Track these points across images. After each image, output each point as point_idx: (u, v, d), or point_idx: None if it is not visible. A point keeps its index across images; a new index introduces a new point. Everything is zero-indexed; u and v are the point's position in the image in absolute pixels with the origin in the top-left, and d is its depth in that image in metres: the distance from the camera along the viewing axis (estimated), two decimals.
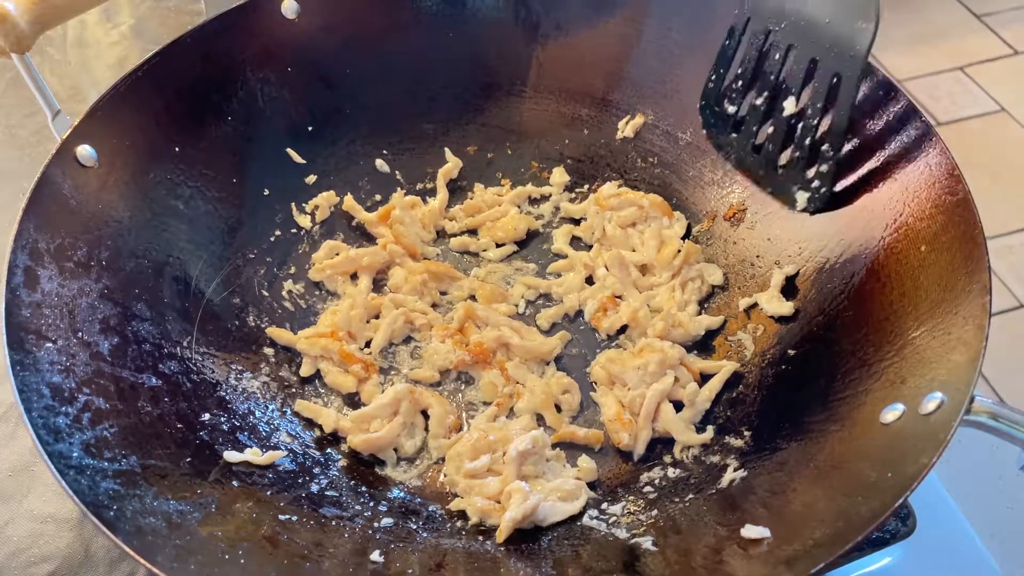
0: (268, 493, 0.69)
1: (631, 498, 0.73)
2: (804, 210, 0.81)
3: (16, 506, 0.76)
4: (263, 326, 0.84)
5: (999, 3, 2.51)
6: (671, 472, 0.74)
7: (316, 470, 0.74)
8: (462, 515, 0.72)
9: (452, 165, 0.95)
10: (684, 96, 0.90)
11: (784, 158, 0.82)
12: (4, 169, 1.01)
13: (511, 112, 0.95)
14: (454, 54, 0.94)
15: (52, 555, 0.73)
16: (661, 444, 0.77)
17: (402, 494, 0.74)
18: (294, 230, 0.92)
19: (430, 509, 0.73)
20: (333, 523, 0.68)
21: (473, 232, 0.94)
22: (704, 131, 0.89)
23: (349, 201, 0.92)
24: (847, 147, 0.79)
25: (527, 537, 0.70)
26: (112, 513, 0.57)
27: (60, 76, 1.11)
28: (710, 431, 0.76)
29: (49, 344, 0.66)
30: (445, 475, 0.75)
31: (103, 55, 1.13)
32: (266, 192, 0.91)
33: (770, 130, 0.83)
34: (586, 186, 0.95)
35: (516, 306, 0.87)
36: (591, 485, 0.75)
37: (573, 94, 0.95)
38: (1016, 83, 2.28)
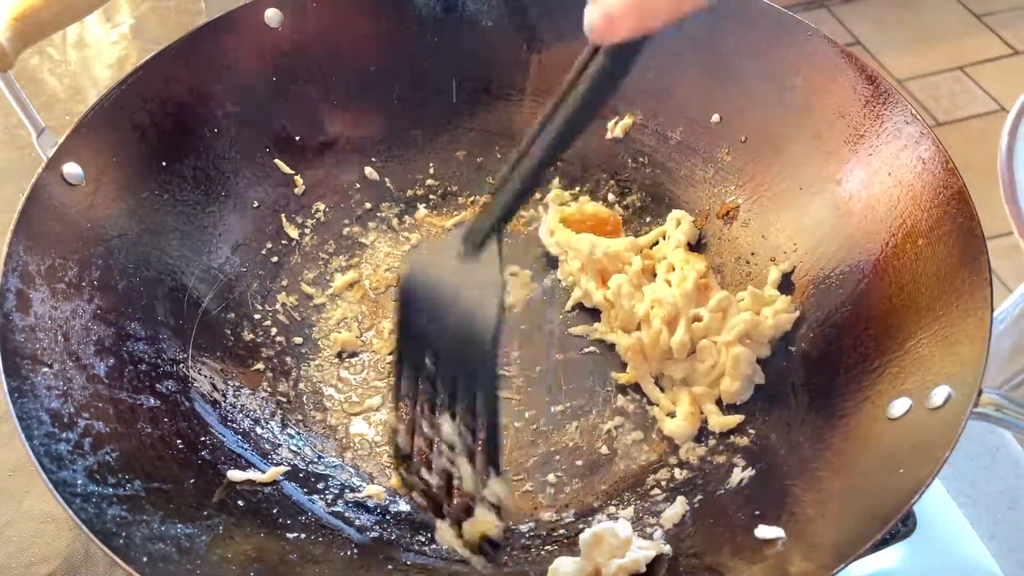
0: (274, 511, 0.68)
1: (639, 501, 0.73)
2: None
3: (16, 506, 0.75)
4: (259, 340, 0.83)
5: (999, 3, 2.52)
6: (678, 473, 0.74)
7: (320, 485, 0.73)
8: None
9: None
10: (674, 95, 0.90)
11: None
12: (4, 169, 1.00)
13: (501, 117, 0.94)
14: (444, 60, 0.93)
15: (52, 555, 0.72)
16: (666, 444, 0.77)
17: (408, 507, 0.73)
18: (284, 241, 0.90)
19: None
20: (342, 539, 0.68)
21: None
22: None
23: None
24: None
25: (535, 543, 0.70)
26: (122, 541, 0.56)
27: (60, 76, 1.09)
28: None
29: (46, 369, 0.64)
30: None
31: (103, 55, 1.11)
32: (255, 204, 0.89)
33: None
34: (577, 188, 0.95)
35: None
36: None
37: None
38: (1016, 83, 2.30)
